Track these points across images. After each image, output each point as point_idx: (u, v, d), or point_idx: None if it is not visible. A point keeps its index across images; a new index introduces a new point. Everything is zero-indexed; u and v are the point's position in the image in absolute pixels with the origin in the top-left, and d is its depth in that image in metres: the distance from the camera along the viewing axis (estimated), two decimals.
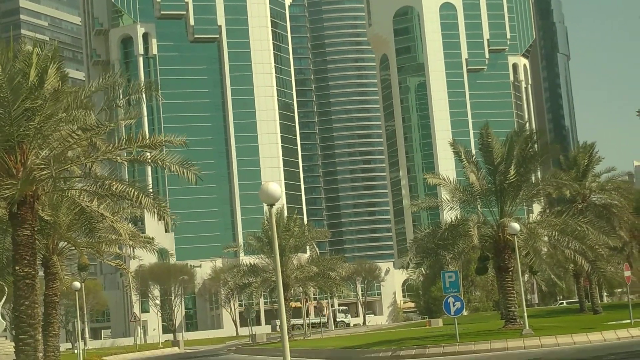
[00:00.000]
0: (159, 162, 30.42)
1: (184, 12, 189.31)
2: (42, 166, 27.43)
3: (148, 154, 30.85)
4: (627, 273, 61.92)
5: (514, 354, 38.59)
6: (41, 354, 28.31)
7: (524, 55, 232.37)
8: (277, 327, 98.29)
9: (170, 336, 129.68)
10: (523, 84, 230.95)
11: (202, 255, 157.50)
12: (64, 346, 72.12)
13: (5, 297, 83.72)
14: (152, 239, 46.33)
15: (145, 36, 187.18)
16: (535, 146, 56.92)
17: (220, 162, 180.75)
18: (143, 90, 31.38)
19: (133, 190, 30.17)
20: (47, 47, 28.51)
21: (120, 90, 30.25)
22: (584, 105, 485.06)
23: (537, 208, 69.54)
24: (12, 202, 26.66)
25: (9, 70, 25.78)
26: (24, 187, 26.30)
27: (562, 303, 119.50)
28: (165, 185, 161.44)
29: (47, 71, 26.87)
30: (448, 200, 56.73)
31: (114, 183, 30.24)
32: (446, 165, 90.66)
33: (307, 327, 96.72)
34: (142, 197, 30.39)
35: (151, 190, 32.05)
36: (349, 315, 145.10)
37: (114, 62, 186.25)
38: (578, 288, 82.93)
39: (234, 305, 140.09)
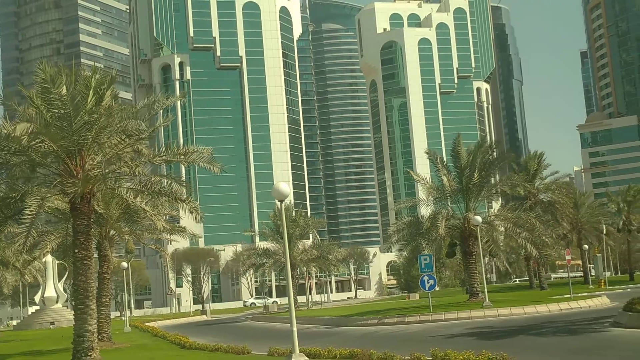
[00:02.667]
0: (191, 162, 30.43)
1: (212, 45, 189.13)
2: (97, 169, 27.46)
3: (182, 156, 30.84)
4: (568, 257, 62.25)
5: (476, 322, 38.59)
6: (95, 320, 28.29)
7: (485, 81, 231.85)
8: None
9: (199, 306, 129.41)
10: (485, 104, 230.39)
11: (225, 240, 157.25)
12: (113, 314, 72.32)
13: (67, 274, 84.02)
14: (184, 228, 46.25)
15: (181, 64, 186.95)
16: (494, 154, 57.15)
17: (240, 165, 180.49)
18: (173, 98, 31.41)
19: (170, 191, 30.25)
20: (102, 72, 28.55)
21: (160, 102, 30.26)
22: (533, 121, 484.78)
23: (496, 204, 69.20)
24: (73, 198, 26.69)
25: (72, 91, 25.82)
26: (82, 186, 26.30)
27: (515, 281, 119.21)
28: (197, 184, 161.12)
29: (101, 92, 26.93)
30: (424, 199, 56.85)
31: (156, 181, 30.30)
32: (423, 170, 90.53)
33: (310, 299, 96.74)
34: (177, 196, 30.49)
35: (184, 192, 31.87)
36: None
37: (155, 85, 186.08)
38: (528, 269, 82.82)
39: (251, 281, 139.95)
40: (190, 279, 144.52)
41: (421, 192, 58.73)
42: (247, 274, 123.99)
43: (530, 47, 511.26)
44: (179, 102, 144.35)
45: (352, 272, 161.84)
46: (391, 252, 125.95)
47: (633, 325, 27.04)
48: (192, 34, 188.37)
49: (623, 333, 25.95)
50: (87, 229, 27.48)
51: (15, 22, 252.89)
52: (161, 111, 29.85)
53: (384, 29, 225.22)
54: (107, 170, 27.90)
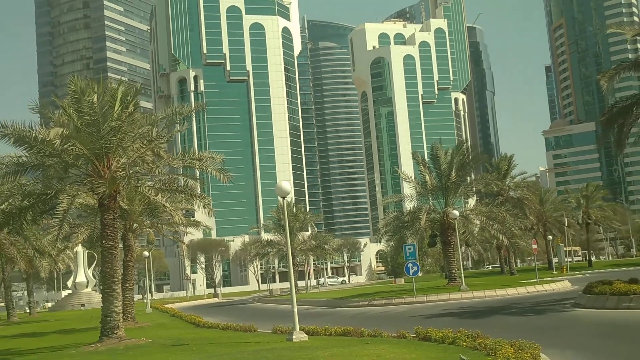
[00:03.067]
0: (204, 169, 30.35)
1: (223, 61, 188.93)
2: (122, 170, 27.42)
3: (197, 162, 30.75)
4: (534, 246, 62.36)
5: (454, 303, 38.63)
6: (120, 303, 28.26)
7: (462, 92, 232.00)
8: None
9: (211, 290, 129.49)
10: (461, 112, 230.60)
11: (234, 232, 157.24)
12: (136, 297, 72.15)
13: (95, 262, 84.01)
14: (199, 221, 46.19)
15: (195, 78, 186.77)
16: (470, 156, 57.09)
17: (247, 166, 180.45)
18: (192, 109, 31.29)
19: (187, 189, 30.23)
20: (126, 85, 28.49)
21: (178, 112, 30.15)
22: (504, 127, 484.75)
23: (471, 200, 69.26)
24: (101, 196, 26.67)
25: (100, 101, 25.79)
26: (109, 185, 26.27)
27: (489, 267, 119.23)
28: (209, 182, 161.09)
29: (126, 102, 26.89)
30: (409, 195, 56.92)
31: (173, 180, 30.28)
32: (407, 170, 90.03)
33: (308, 284, 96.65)
34: (192, 193, 30.46)
35: (199, 189, 31.83)
36: (338, 277, 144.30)
37: (173, 96, 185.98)
38: (499, 257, 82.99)
39: (256, 268, 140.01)
40: (203, 266, 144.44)
41: (406, 189, 58.75)
42: (254, 262, 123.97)
43: (501, 62, 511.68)
44: (193, 111, 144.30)
45: (346, 259, 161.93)
46: (380, 242, 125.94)
47: (591, 306, 27.14)
48: (205, 51, 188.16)
49: (583, 313, 25.98)
50: (113, 223, 27.46)
51: (50, 40, 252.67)
52: (178, 117, 29.67)
53: (373, 47, 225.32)
54: (130, 171, 27.86)
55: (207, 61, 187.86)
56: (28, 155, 26.57)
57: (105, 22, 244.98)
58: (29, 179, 28.13)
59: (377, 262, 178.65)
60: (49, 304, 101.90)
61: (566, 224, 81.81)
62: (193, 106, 31.40)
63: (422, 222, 49.99)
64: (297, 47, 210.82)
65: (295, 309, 21.79)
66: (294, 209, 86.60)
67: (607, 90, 33.24)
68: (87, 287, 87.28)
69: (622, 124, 31.34)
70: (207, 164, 29.93)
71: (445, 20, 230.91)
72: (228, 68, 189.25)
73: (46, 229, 36.47)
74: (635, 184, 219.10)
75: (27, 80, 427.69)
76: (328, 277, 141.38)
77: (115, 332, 26.32)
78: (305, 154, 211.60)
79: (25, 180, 27.80)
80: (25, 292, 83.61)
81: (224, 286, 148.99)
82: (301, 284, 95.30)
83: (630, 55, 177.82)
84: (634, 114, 31.31)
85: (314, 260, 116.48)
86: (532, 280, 48.77)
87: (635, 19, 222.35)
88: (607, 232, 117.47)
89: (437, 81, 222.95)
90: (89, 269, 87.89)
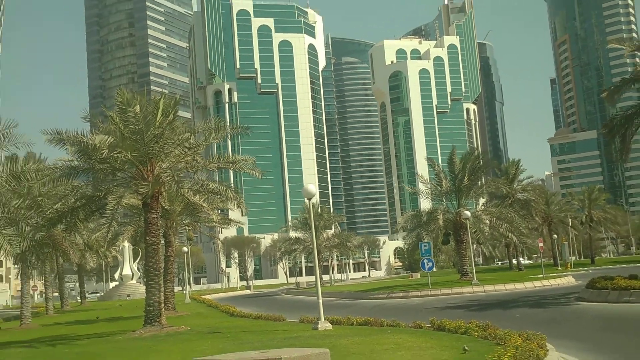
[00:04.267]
0: (237, 169, 30.50)
1: (254, 75, 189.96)
2: (164, 173, 27.59)
3: (231, 164, 30.90)
4: (541, 244, 61.69)
5: (466, 296, 38.32)
6: (162, 294, 28.45)
7: (473, 103, 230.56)
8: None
9: (244, 283, 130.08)
10: (473, 121, 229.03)
11: (265, 230, 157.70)
12: (176, 289, 72.71)
13: (139, 257, 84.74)
14: (232, 220, 46.33)
15: (229, 90, 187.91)
16: (481, 162, 56.71)
17: (276, 170, 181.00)
18: (229, 129, 31.33)
19: (223, 190, 30.41)
20: (167, 97, 28.66)
21: (216, 125, 30.24)
22: (512, 135, 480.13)
23: (482, 201, 68.67)
24: (145, 197, 26.86)
25: (144, 111, 25.99)
26: (152, 187, 26.45)
27: (498, 264, 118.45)
28: (242, 184, 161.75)
29: (167, 112, 27.05)
30: (424, 192, 56.99)
31: (211, 184, 30.42)
32: (423, 174, 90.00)
33: (332, 278, 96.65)
34: (227, 193, 30.61)
35: (233, 192, 31.96)
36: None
37: (209, 107, 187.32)
38: (508, 254, 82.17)
39: (285, 263, 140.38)
40: (237, 260, 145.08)
41: (421, 188, 58.58)
42: (283, 258, 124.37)
43: (509, 75, 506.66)
44: (228, 121, 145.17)
45: (366, 255, 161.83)
46: (397, 240, 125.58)
47: (594, 300, 26.78)
48: (238, 66, 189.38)
49: (586, 306, 25.64)
50: (156, 221, 27.63)
51: (99, 57, 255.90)
52: (215, 129, 29.75)
53: (392, 61, 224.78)
54: (171, 175, 28.00)
55: (240, 75, 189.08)
56: (79, 160, 26.92)
57: (149, 40, 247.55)
58: (80, 181, 28.42)
59: (395, 258, 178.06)
60: (98, 294, 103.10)
61: (570, 224, 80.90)
62: (228, 126, 31.47)
63: (439, 221, 49.86)
64: (322, 62, 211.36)
65: (320, 301, 21.80)
66: (319, 209, 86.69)
67: (609, 101, 33.04)
68: (132, 279, 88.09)
69: (625, 134, 30.90)
70: (240, 165, 30.11)
71: (458, 37, 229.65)
72: (259, 81, 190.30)
73: (96, 227, 36.79)
74: (634, 187, 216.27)
75: (78, 93, 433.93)
76: (376, 270, 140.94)
77: (157, 320, 26.49)
78: (329, 159, 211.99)
79: (77, 183, 28.09)
80: (77, 284, 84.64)
81: (255, 279, 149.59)
82: (325, 277, 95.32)
83: (629, 69, 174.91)
84: (635, 124, 30.93)
85: (337, 256, 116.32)
86: (539, 276, 48.18)
87: (634, 35, 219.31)
88: (609, 232, 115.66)
89: (450, 92, 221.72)
90: (134, 262, 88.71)
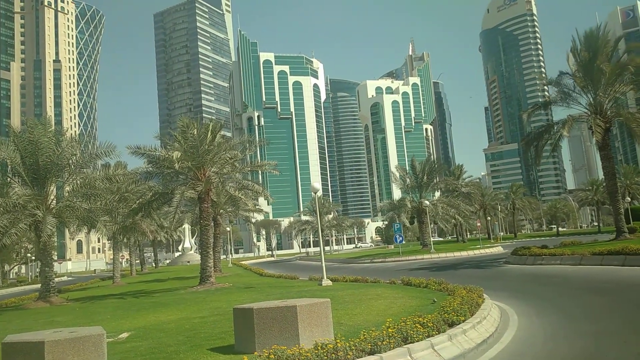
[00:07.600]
0: (264, 170, 30.72)
1: (275, 105, 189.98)
2: (213, 176, 27.69)
3: (259, 167, 31.05)
4: (478, 224, 61.71)
5: (427, 261, 38.28)
6: (212, 261, 28.51)
7: (430, 124, 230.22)
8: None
9: (269, 252, 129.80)
10: (430, 137, 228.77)
11: (283, 215, 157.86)
12: (222, 257, 73.08)
13: (196, 234, 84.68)
14: (261, 208, 46.37)
15: (258, 117, 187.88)
16: (435, 166, 56.72)
17: (291, 172, 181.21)
18: (257, 143, 31.52)
19: (255, 188, 30.47)
20: (214, 122, 28.78)
21: (248, 141, 30.47)
22: (458, 147, 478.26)
23: (437, 194, 68.55)
24: (200, 192, 26.93)
25: (198, 132, 26.08)
26: (205, 186, 26.55)
27: (449, 238, 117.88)
28: (267, 183, 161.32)
29: (214, 132, 27.16)
30: (397, 187, 56.91)
31: (245, 182, 30.52)
32: (395, 175, 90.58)
33: (331, 248, 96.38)
34: (257, 188, 30.65)
35: (260, 186, 32.05)
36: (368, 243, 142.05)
37: (244, 128, 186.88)
38: (456, 231, 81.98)
39: (298, 238, 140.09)
40: (264, 236, 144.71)
41: (394, 188, 58.61)
42: (297, 235, 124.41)
43: (455, 104, 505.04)
44: (257, 138, 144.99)
45: (355, 232, 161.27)
46: (377, 221, 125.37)
47: (516, 263, 26.78)
48: (264, 99, 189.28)
49: (511, 267, 25.60)
50: (208, 209, 27.74)
51: (166, 93, 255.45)
52: (248, 144, 29.97)
53: (372, 95, 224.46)
54: (218, 177, 28.10)
55: (265, 105, 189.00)
56: (153, 167, 27.03)
57: (201, 82, 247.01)
58: (153, 182, 28.53)
59: (376, 234, 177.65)
60: (167, 261, 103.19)
61: (499, 209, 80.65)
62: (257, 140, 31.95)
63: (407, 207, 49.91)
64: (323, 96, 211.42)
65: (324, 265, 21.82)
66: (322, 200, 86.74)
67: (526, 122, 33.34)
68: (191, 250, 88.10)
69: (537, 145, 30.95)
70: (265, 167, 30.39)
71: (419, 77, 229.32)
72: (279, 110, 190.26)
73: (165, 214, 36.94)
74: (545, 184, 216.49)
75: (152, 120, 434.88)
76: (362, 243, 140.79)
77: (209, 279, 26.58)
78: (328, 165, 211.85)
79: (151, 183, 28.18)
80: (152, 253, 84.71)
81: (277, 250, 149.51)
82: (327, 248, 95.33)
83: (540, 99, 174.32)
84: (544, 138, 31.02)
85: (335, 233, 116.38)
86: (477, 246, 48.18)
87: (543, 74, 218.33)
88: (526, 215, 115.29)
89: (413, 117, 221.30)
90: (192, 238, 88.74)
